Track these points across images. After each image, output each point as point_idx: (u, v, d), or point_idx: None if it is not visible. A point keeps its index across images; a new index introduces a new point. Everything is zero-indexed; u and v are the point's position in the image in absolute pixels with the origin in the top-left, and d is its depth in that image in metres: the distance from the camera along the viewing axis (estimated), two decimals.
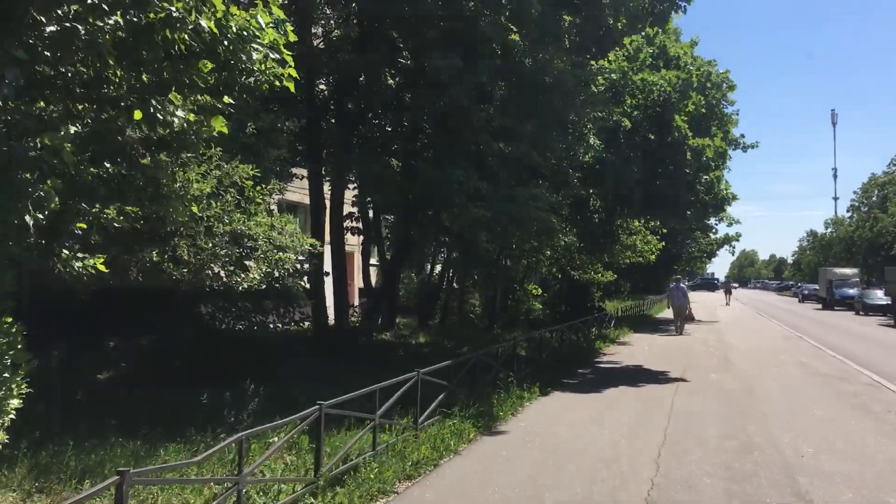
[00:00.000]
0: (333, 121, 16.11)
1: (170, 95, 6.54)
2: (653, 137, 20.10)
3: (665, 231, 30.81)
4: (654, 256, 30.02)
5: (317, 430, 7.47)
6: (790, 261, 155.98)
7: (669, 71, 21.55)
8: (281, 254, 10.04)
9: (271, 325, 14.06)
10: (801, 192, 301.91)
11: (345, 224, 18.04)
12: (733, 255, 79.09)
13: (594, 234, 25.65)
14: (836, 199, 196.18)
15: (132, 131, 6.55)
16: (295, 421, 7.36)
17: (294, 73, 7.12)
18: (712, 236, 50.26)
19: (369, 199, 15.99)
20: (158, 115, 6.41)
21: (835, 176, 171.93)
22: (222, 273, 9.57)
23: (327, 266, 18.42)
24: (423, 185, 14.14)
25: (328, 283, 18.29)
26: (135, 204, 7.36)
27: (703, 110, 21.17)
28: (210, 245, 8.63)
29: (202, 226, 8.59)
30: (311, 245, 10.29)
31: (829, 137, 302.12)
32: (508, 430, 11.08)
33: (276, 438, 8.08)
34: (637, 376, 17.49)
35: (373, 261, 28.27)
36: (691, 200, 21.70)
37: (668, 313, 49.22)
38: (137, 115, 6.39)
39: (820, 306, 61.94)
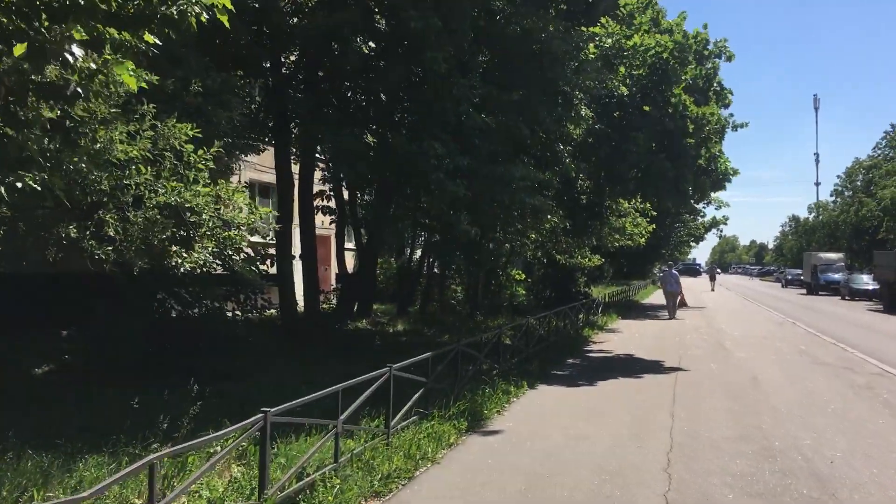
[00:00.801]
0: (302, 87, 14.64)
1: (66, 25, 5.12)
2: (648, 109, 18.68)
3: (655, 213, 29.56)
4: (643, 240, 28.80)
5: (263, 442, 6.12)
6: (771, 246, 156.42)
7: (663, 35, 20.11)
8: (230, 231, 8.63)
9: (230, 313, 12.68)
10: (780, 178, 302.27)
11: (315, 203, 16.55)
12: (720, 238, 77.76)
13: (581, 216, 24.40)
14: (818, 184, 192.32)
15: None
16: (235, 433, 6.01)
17: (229, 4, 5.71)
18: (699, 220, 49.19)
19: (342, 175, 14.50)
20: (47, 51, 5.01)
21: (817, 161, 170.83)
22: (172, 253, 8.18)
23: (297, 249, 17.02)
24: (398, 159, 12.76)
25: (299, 267, 16.93)
26: (39, 169, 5.93)
27: (701, 82, 19.77)
28: (141, 219, 7.21)
29: (129, 195, 7.19)
30: (263, 218, 8.85)
31: (809, 123, 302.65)
32: (495, 431, 9.78)
33: (218, 448, 6.71)
34: (631, 366, 16.27)
35: (350, 245, 26.89)
36: (692, 176, 20.23)
37: (654, 299, 48.54)
38: (19, 49, 4.99)
39: (804, 291, 61.15)
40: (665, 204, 22.59)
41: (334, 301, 23.68)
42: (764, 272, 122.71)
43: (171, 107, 8.67)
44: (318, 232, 26.83)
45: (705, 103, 19.87)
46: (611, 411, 11.10)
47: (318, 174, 18.13)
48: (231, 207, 8.17)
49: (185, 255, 7.85)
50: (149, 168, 7.18)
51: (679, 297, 32.41)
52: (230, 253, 8.69)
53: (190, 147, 7.82)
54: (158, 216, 7.33)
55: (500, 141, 14.04)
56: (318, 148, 16.02)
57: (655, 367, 16.09)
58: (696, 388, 13.23)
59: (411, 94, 13.72)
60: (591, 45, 17.32)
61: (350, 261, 26.56)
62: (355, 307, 22.17)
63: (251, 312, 12.64)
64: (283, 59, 15.04)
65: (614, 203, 25.68)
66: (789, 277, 76.63)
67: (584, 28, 16.48)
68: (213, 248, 8.26)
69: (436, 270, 25.88)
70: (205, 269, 8.51)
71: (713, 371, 15.47)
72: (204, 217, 8.07)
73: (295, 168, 16.67)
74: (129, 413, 8.41)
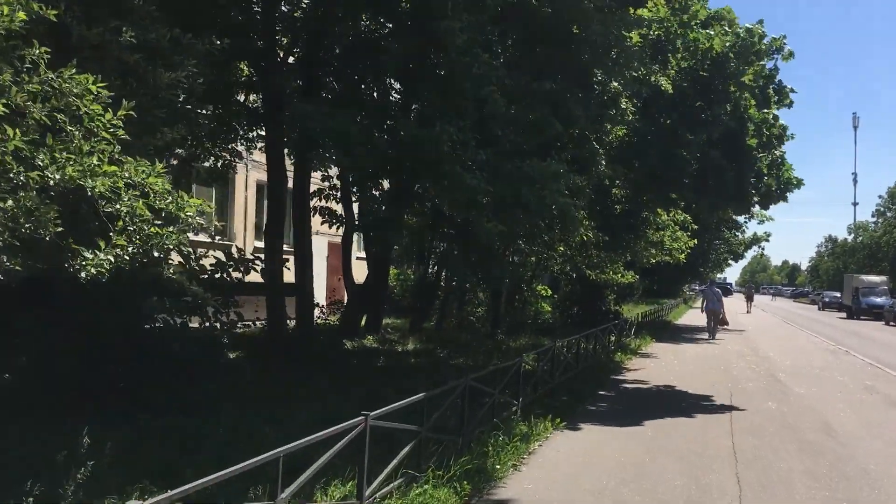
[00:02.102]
0: (291, 60, 12.49)
1: None
2: (701, 105, 16.22)
3: (696, 227, 27.02)
4: (683, 255, 26.30)
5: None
6: (805, 267, 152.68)
7: (716, 24, 17.57)
8: (168, 227, 6.46)
9: (200, 324, 10.53)
10: (812, 198, 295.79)
11: (313, 204, 14.34)
12: (761, 256, 74.40)
13: (616, 228, 22.02)
14: (855, 204, 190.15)
15: None
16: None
17: None
18: (740, 236, 46.33)
19: (332, 159, 12.21)
20: None
21: (855, 181, 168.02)
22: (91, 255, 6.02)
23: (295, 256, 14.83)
24: (404, 146, 10.55)
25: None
26: None
27: (763, 80, 17.29)
28: (9, 204, 5.06)
29: None
30: (199, 211, 6.66)
31: (845, 143, 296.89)
32: (508, 498, 7.50)
33: None
34: (675, 402, 13.90)
35: (360, 253, 24.73)
36: (753, 182, 17.65)
37: (688, 319, 45.85)
38: None
39: (844, 315, 58.34)
40: (724, 212, 19.55)
41: (328, 314, 21.61)
42: (798, 293, 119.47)
43: (93, 62, 6.56)
44: (331, 240, 24.84)
45: (765, 103, 17.40)
46: (658, 471, 8.75)
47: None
48: (154, 196, 5.96)
49: (89, 256, 5.67)
50: (16, 132, 5.01)
51: (721, 316, 30.50)
52: (159, 255, 6.47)
53: (97, 108, 5.67)
54: (39, 201, 5.18)
55: (527, 134, 11.78)
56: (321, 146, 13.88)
57: (704, 405, 13.72)
58: (758, 437, 10.83)
59: (422, 73, 11.49)
60: (636, 31, 14.94)
61: (364, 271, 24.48)
62: (362, 322, 19.99)
63: (218, 328, 10.44)
64: (277, 39, 12.96)
65: (652, 214, 23.26)
66: (826, 300, 73.52)
67: (630, 9, 14.15)
68: (133, 248, 6.06)
69: (454, 283, 23.53)
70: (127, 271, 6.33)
71: (773, 412, 13.04)
72: (120, 207, 5.93)
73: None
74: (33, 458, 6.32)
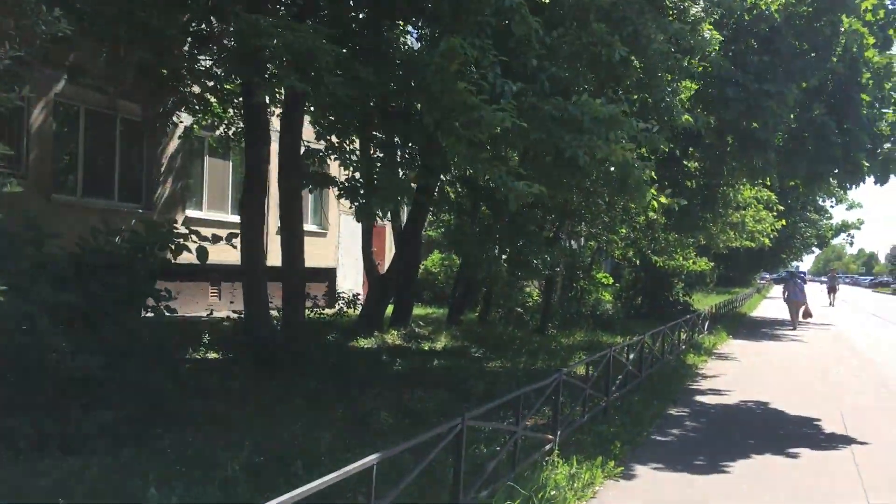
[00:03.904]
0: None
1: None
2: (799, 44, 12.58)
3: (781, 207, 23.18)
4: (768, 239, 22.56)
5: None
6: (883, 256, 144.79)
7: None
8: None
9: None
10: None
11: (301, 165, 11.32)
12: (851, 245, 68.81)
13: (688, 205, 18.52)
14: None
15: None
16: None
17: None
18: (825, 221, 41.59)
19: (293, 90, 9.04)
20: None
21: None
22: None
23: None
24: (396, 74, 7.47)
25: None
26: None
27: (883, 12, 13.37)
28: None
29: None
30: None
31: None
32: None
33: None
34: (769, 428, 10.56)
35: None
36: (869, 148, 13.76)
37: (763, 311, 41.71)
38: None
39: None
40: (822, 186, 15.52)
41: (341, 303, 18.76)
42: (877, 283, 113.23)
43: None
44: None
45: (887, 44, 13.54)
46: None
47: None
48: None
49: None
50: None
51: (804, 308, 28.10)
52: None
53: None
54: None
55: (572, 63, 8.56)
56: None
57: (809, 434, 10.34)
58: None
59: None
60: None
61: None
62: (384, 314, 17.06)
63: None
64: None
65: (732, 190, 19.65)
66: None
67: None
68: None
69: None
70: None
71: None
72: None
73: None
74: None
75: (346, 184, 9.64)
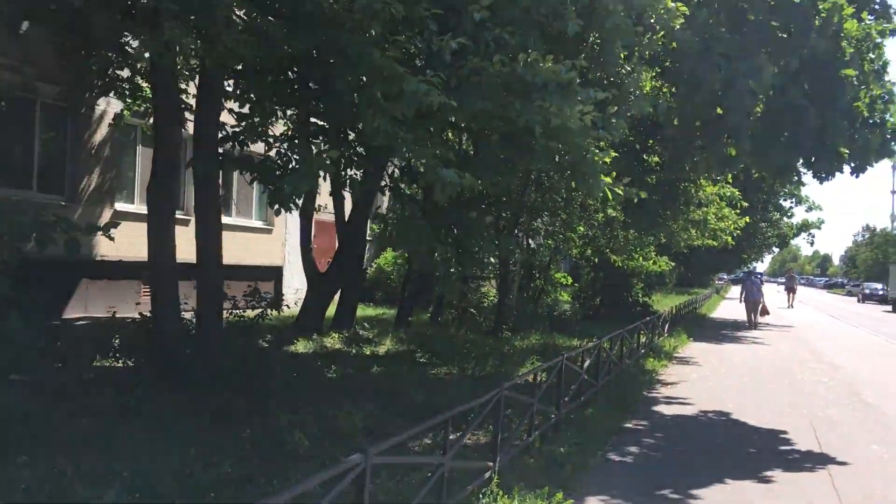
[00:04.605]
0: None
1: None
2: (774, 20, 11.41)
3: (746, 204, 22.34)
4: (731, 238, 21.72)
5: None
6: (837, 258, 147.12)
7: None
8: None
9: None
10: (841, 187, 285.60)
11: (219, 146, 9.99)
12: (812, 245, 68.94)
13: (647, 201, 17.53)
14: (894, 192, 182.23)
15: None
16: None
17: None
18: (786, 220, 41.06)
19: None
20: None
21: (894, 168, 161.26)
22: None
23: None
24: (312, 34, 6.26)
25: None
26: None
27: None
28: None
29: None
30: None
31: None
32: None
33: None
34: (736, 445, 9.55)
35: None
36: (848, 134, 12.53)
37: (723, 312, 41.11)
38: None
39: (889, 308, 53.73)
40: (788, 175, 14.33)
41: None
42: (831, 284, 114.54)
43: None
44: (319, 216, 20.33)
45: (861, 7, 12.43)
46: None
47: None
48: None
49: None
50: None
51: (761, 306, 28.70)
52: None
53: None
54: None
55: (516, 26, 7.41)
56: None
57: (781, 451, 9.34)
58: None
59: None
60: None
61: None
62: (325, 315, 15.81)
63: None
64: None
65: (692, 186, 18.71)
66: (867, 292, 68.39)
67: None
68: None
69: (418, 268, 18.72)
70: None
71: (887, 464, 8.70)
72: None
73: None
74: None
75: (260, 165, 8.40)
